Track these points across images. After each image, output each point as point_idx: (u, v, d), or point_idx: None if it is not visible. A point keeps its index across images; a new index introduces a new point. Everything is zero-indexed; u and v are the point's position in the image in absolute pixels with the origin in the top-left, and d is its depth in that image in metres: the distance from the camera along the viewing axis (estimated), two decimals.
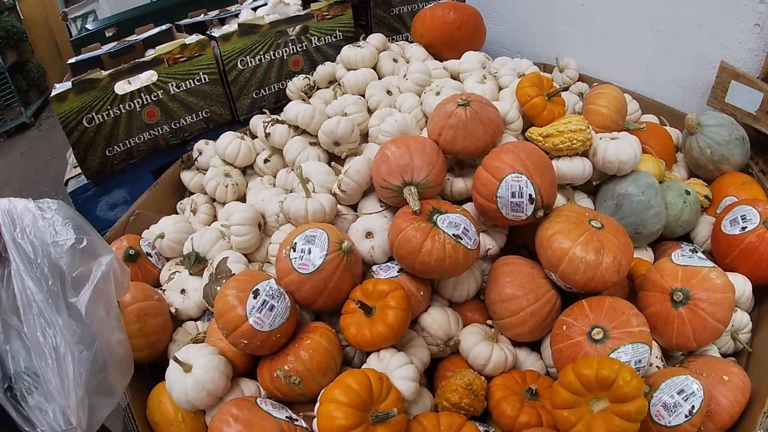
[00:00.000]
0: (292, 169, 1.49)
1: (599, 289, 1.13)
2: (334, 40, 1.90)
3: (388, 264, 1.25)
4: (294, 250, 1.15)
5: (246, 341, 1.08)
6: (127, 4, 2.56)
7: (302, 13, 1.81)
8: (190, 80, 1.71)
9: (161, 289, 1.40)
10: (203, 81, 1.73)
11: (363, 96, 1.61)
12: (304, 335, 1.13)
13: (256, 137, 1.65)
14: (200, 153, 1.64)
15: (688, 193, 1.41)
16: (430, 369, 1.23)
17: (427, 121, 1.43)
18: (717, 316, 1.11)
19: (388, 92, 1.59)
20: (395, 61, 1.75)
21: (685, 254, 1.22)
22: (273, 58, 1.81)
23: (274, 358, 1.12)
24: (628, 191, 1.34)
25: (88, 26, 2.44)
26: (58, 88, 1.55)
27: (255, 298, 1.08)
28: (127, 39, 2.12)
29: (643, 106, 1.77)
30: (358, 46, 1.72)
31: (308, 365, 1.07)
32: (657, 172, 1.45)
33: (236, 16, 2.17)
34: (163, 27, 2.10)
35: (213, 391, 1.10)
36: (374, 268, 1.25)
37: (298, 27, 1.82)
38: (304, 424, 1.05)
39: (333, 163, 1.43)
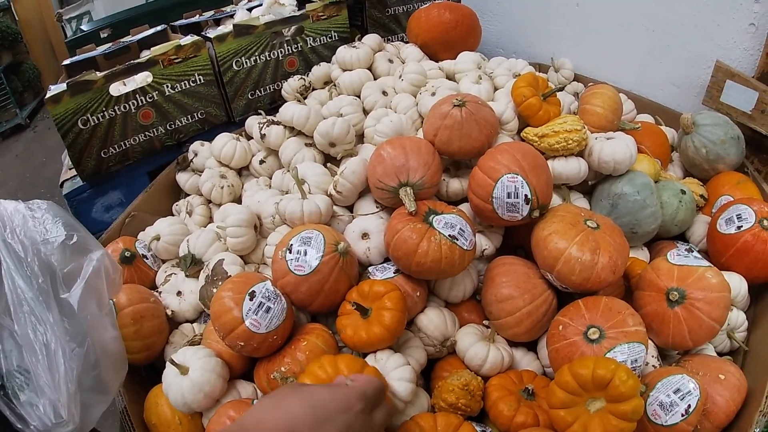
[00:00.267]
0: (288, 171, 1.49)
1: (595, 289, 1.13)
2: (329, 40, 1.90)
3: (384, 265, 1.25)
4: (290, 252, 1.14)
5: (242, 343, 1.07)
6: (121, 5, 2.56)
7: (297, 13, 1.80)
8: (186, 81, 1.70)
9: (157, 292, 1.39)
10: (198, 82, 1.73)
11: (358, 97, 1.61)
12: (300, 337, 1.13)
13: (252, 138, 1.65)
14: (196, 154, 1.64)
15: (683, 192, 1.41)
16: (426, 369, 1.23)
17: (422, 122, 1.43)
18: (713, 315, 1.11)
19: (384, 93, 1.59)
20: (391, 61, 1.75)
21: (680, 254, 1.22)
22: (268, 58, 1.81)
23: (270, 359, 1.12)
24: (623, 191, 1.34)
25: (83, 27, 2.42)
26: (53, 89, 1.55)
27: (251, 300, 1.08)
28: (122, 40, 2.12)
29: (638, 105, 1.78)
30: (354, 47, 1.71)
31: (305, 367, 1.06)
32: (652, 171, 1.45)
33: (231, 16, 2.16)
34: (158, 28, 2.09)
35: (210, 393, 1.09)
36: (370, 269, 1.25)
37: (293, 28, 1.82)
38: None
39: (328, 164, 1.43)
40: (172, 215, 1.64)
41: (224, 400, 1.12)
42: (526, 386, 1.13)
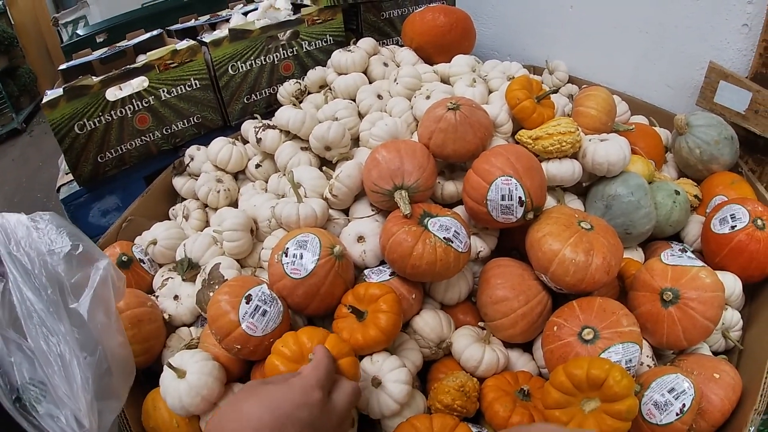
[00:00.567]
0: (284, 175, 1.50)
1: (589, 289, 1.14)
2: (324, 44, 1.91)
3: (380, 268, 1.26)
4: (286, 255, 1.15)
5: (239, 346, 1.08)
6: (117, 10, 2.57)
7: (293, 18, 1.81)
8: (181, 86, 1.71)
9: (154, 296, 1.40)
10: (194, 86, 1.73)
11: (354, 100, 1.62)
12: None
13: (248, 142, 1.65)
14: (192, 159, 1.65)
15: (677, 193, 1.42)
16: (423, 371, 1.24)
17: (417, 125, 1.43)
18: (707, 314, 1.12)
19: (379, 96, 1.59)
20: (386, 65, 1.76)
21: (674, 254, 1.23)
22: (264, 63, 1.81)
23: None
24: (617, 192, 1.35)
25: (79, 32, 2.44)
26: (50, 94, 1.55)
27: (247, 303, 1.09)
28: (118, 44, 2.12)
29: (632, 107, 1.78)
30: (349, 51, 1.72)
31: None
32: (646, 172, 1.46)
33: (227, 21, 2.17)
34: (154, 32, 2.10)
35: (207, 397, 1.09)
36: (366, 272, 1.25)
37: (288, 32, 1.83)
38: None
39: (324, 168, 1.44)
40: (169, 219, 1.65)
41: (221, 403, 1.12)
42: (522, 387, 1.13)
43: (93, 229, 1.73)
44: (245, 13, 2.14)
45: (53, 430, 0.93)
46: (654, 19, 1.77)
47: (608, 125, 1.47)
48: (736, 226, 1.32)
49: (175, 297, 1.37)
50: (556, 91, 1.47)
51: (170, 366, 1.11)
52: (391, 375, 1.09)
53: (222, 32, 1.76)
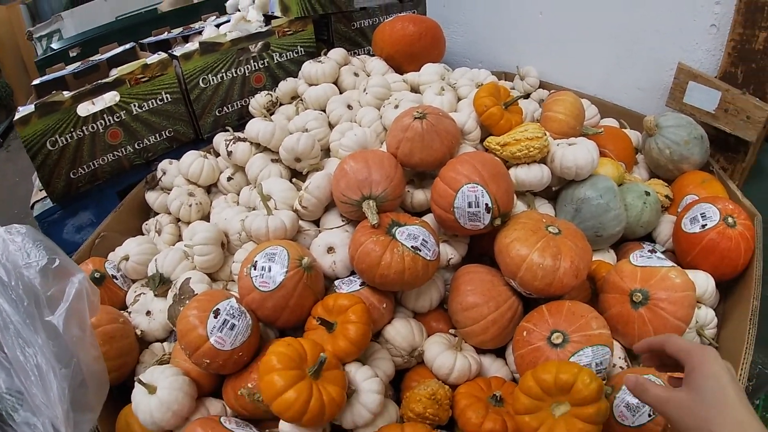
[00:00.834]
0: (255, 187, 1.49)
1: (559, 293, 1.15)
2: (295, 55, 1.91)
3: (351, 278, 1.26)
4: (254, 268, 1.15)
5: (208, 361, 1.08)
6: (91, 23, 2.55)
7: (263, 29, 1.81)
8: (153, 100, 1.70)
9: (127, 312, 1.39)
10: (166, 100, 1.73)
11: (324, 111, 1.62)
12: (266, 353, 1.13)
13: (220, 155, 1.65)
14: (164, 173, 1.64)
15: (647, 194, 1.43)
16: (396, 380, 1.24)
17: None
18: (678, 314, 1.12)
19: (349, 106, 1.60)
20: (356, 75, 1.76)
21: (643, 255, 1.23)
22: (235, 75, 1.81)
23: (238, 376, 1.13)
24: (586, 195, 1.35)
25: (54, 45, 2.42)
26: (22, 111, 1.54)
27: (215, 317, 1.08)
28: (91, 59, 2.12)
29: (603, 110, 1.80)
30: (319, 62, 1.73)
31: None
32: (616, 174, 1.47)
33: (200, 33, 2.17)
34: (127, 46, 2.10)
35: (178, 412, 1.09)
36: (337, 282, 1.25)
37: (260, 44, 1.83)
38: None
39: (294, 180, 1.44)
40: (142, 234, 1.64)
41: (193, 418, 1.12)
42: (494, 393, 1.13)
43: (67, 246, 1.71)
44: (218, 25, 2.14)
45: None
46: (623, 23, 1.79)
47: (577, 129, 1.48)
48: (706, 224, 1.33)
49: (148, 312, 1.36)
50: (524, 97, 1.48)
51: (140, 382, 1.11)
52: (364, 385, 1.09)
53: (193, 45, 1.76)
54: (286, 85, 1.78)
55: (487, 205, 1.16)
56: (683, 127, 1.53)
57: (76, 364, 1.02)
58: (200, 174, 1.57)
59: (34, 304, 0.99)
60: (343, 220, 1.33)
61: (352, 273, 1.28)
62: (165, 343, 1.36)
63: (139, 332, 1.33)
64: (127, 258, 1.44)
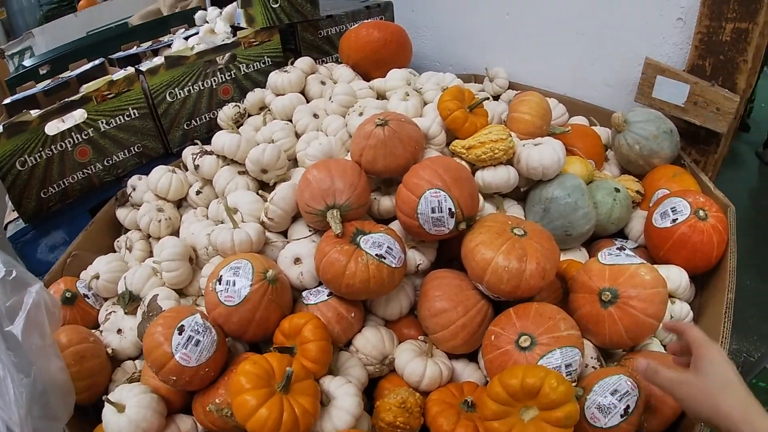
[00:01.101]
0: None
1: (527, 296, 1.14)
2: (263, 66, 1.90)
3: (318, 288, 1.25)
4: (219, 283, 1.14)
5: (175, 378, 1.07)
6: (63, 39, 2.54)
7: (229, 41, 1.80)
8: (120, 116, 1.69)
9: (99, 331, 1.38)
10: (133, 116, 1.72)
11: (291, 121, 1.61)
12: (234, 367, 1.12)
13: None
14: (134, 189, 1.62)
15: (617, 190, 1.43)
16: (370, 389, 1.23)
17: None
18: (648, 311, 1.12)
19: (315, 115, 1.59)
20: (323, 83, 1.76)
21: (612, 253, 1.23)
22: (202, 88, 1.80)
23: (206, 392, 1.12)
24: (554, 195, 1.35)
25: (26, 63, 2.41)
26: None
27: (180, 334, 1.07)
28: (61, 76, 2.10)
29: (572, 108, 1.80)
30: (285, 71, 1.72)
31: None
32: (585, 172, 1.47)
33: (169, 46, 2.16)
34: (96, 62, 2.08)
35: (147, 430, 1.08)
36: (304, 293, 1.25)
37: (226, 55, 1.82)
38: None
39: (260, 191, 1.43)
40: (115, 252, 1.62)
41: None
42: (466, 398, 1.12)
43: (42, 266, 1.70)
44: (187, 38, 2.13)
45: None
46: (590, 20, 1.79)
47: (543, 129, 1.48)
48: (677, 219, 1.33)
49: (119, 331, 1.35)
50: (494, 99, 1.48)
51: (109, 401, 1.10)
52: (340, 391, 1.09)
53: (160, 60, 1.75)
54: (253, 96, 1.77)
55: (450, 209, 1.15)
56: (652, 122, 1.54)
57: (36, 372, 1.03)
58: (169, 189, 1.56)
59: None
60: (310, 231, 1.33)
61: (320, 283, 1.27)
62: (137, 361, 1.35)
63: (110, 351, 1.32)
64: (97, 276, 1.43)
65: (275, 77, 1.72)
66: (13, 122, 1.54)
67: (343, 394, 1.08)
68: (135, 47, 2.25)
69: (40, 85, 2.04)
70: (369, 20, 1.93)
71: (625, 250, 1.31)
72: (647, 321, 1.13)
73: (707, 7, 1.51)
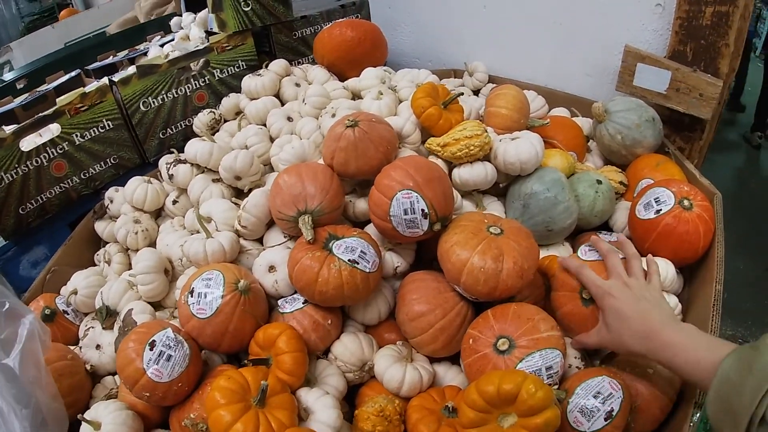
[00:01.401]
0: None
1: (505, 296, 1.11)
2: (237, 70, 1.87)
3: (294, 296, 1.22)
4: (191, 295, 1.12)
5: (148, 394, 1.05)
6: (41, 51, 2.51)
7: (201, 47, 1.78)
8: (94, 128, 1.67)
9: (79, 347, 1.36)
10: (107, 127, 1.69)
11: (266, 125, 1.59)
12: (209, 381, 1.10)
13: None
14: (111, 201, 1.60)
15: (599, 182, 1.40)
16: (352, 396, 1.21)
17: None
18: None
19: (289, 119, 1.56)
20: (298, 85, 1.73)
21: (592, 249, 1.21)
22: (176, 95, 1.77)
23: (181, 407, 1.09)
24: (533, 190, 1.32)
25: (5, 77, 2.39)
26: None
27: (151, 349, 1.05)
28: (38, 89, 2.08)
29: (552, 99, 1.77)
30: (258, 75, 1.69)
31: None
32: (566, 165, 1.44)
33: (145, 54, 2.13)
34: (72, 73, 2.06)
35: None
36: (280, 301, 1.22)
37: (200, 61, 1.79)
38: None
39: (233, 199, 1.40)
40: (96, 265, 1.61)
41: None
42: (446, 404, 1.09)
43: (25, 282, 1.68)
44: (162, 45, 2.10)
45: None
46: (567, 9, 1.77)
47: (521, 122, 1.45)
48: (661, 209, 1.30)
49: (97, 346, 1.33)
50: (461, 95, 1.46)
51: (84, 420, 1.08)
52: (318, 404, 1.06)
53: (131, 69, 1.73)
54: (228, 102, 1.75)
55: (423, 210, 1.12)
56: (633, 111, 1.50)
57: (35, 403, 1.03)
58: (145, 199, 1.53)
59: None
60: (285, 237, 1.30)
61: (296, 291, 1.24)
62: (117, 377, 1.33)
63: (89, 367, 1.30)
64: (75, 292, 1.41)
65: (248, 81, 1.69)
66: None
67: (322, 407, 1.06)
68: (111, 57, 2.23)
69: (18, 100, 2.02)
70: (341, 20, 1.90)
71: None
72: None
73: None
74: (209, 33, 1.93)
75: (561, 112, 1.74)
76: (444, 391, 1.16)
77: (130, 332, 1.14)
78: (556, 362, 1.03)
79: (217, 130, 1.70)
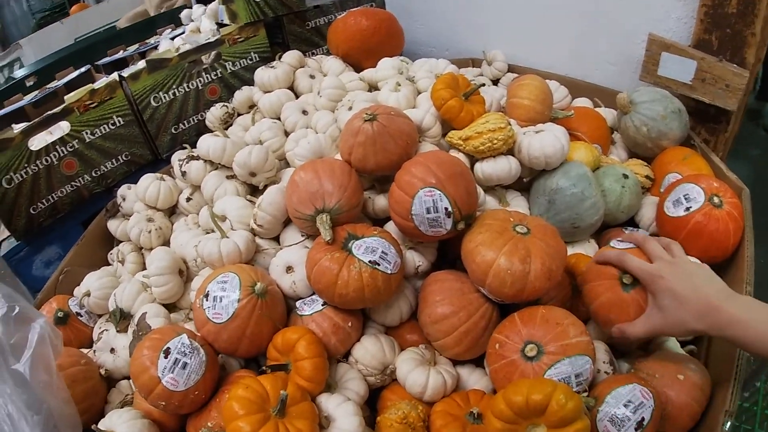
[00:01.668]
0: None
1: (532, 298, 1.06)
2: (250, 62, 1.83)
3: (313, 297, 1.18)
4: (207, 299, 1.08)
5: (164, 403, 1.02)
6: (50, 48, 2.49)
7: (212, 40, 1.73)
8: (104, 125, 1.64)
9: (93, 350, 1.33)
10: (118, 124, 1.66)
11: (280, 119, 1.54)
12: (227, 387, 1.07)
13: None
14: (124, 199, 1.57)
15: (626, 176, 1.35)
16: (374, 399, 1.17)
17: None
18: None
19: (304, 112, 1.52)
20: (312, 77, 1.68)
21: (623, 240, 1.15)
22: (188, 89, 1.74)
23: (198, 414, 1.06)
24: (559, 185, 1.27)
25: (15, 75, 2.36)
26: None
27: (166, 357, 1.02)
28: (48, 86, 2.05)
29: (575, 89, 1.71)
30: (272, 67, 1.65)
31: None
32: (591, 158, 1.39)
33: (156, 48, 2.10)
34: (82, 69, 2.03)
35: None
36: (298, 303, 1.18)
37: (212, 54, 1.75)
38: None
39: (248, 196, 1.36)
40: (109, 265, 1.57)
41: None
42: (471, 410, 1.05)
43: (38, 282, 1.65)
44: (173, 38, 2.06)
45: None
46: None
47: (545, 114, 1.40)
48: (691, 207, 1.25)
49: (112, 350, 1.30)
50: (493, 84, 1.41)
51: (99, 430, 1.05)
52: (338, 411, 1.03)
53: (141, 64, 1.69)
54: (241, 95, 1.71)
55: (446, 209, 1.08)
56: (659, 102, 1.45)
57: (46, 409, 1.00)
58: (158, 197, 1.50)
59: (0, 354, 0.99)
60: (302, 235, 1.26)
61: (315, 292, 1.20)
62: (132, 381, 1.30)
63: (103, 371, 1.27)
64: (88, 294, 1.38)
65: (261, 73, 1.65)
66: None
67: (343, 414, 1.02)
68: (121, 51, 2.20)
69: (28, 97, 1.99)
70: (356, 8, 1.85)
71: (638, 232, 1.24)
72: None
73: None
74: (220, 25, 1.90)
75: (583, 102, 1.69)
76: (468, 395, 1.12)
77: (144, 338, 1.11)
78: (586, 369, 0.98)
79: (231, 124, 1.66)
